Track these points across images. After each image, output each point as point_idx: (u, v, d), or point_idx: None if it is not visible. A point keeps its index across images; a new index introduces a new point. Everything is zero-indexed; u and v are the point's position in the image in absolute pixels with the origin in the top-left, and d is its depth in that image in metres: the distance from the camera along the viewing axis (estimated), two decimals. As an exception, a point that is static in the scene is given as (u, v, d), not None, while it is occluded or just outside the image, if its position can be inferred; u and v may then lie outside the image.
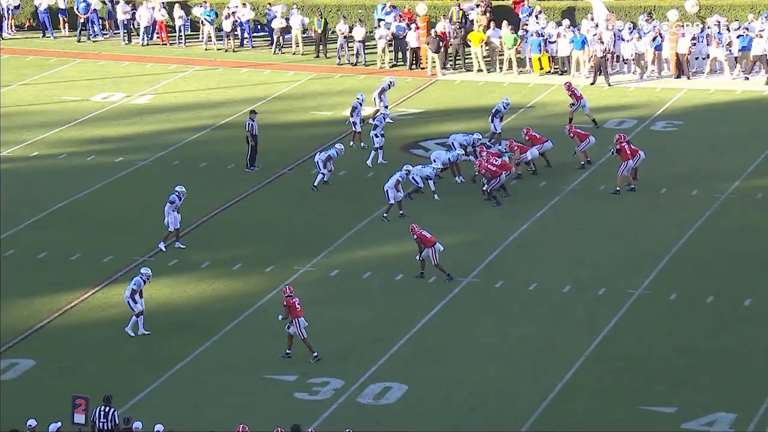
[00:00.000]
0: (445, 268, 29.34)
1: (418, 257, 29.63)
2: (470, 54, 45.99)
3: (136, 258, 30.93)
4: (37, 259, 30.93)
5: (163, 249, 31.27)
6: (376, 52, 46.69)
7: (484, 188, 33.72)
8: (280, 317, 26.32)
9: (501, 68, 45.52)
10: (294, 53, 47.99)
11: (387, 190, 33.11)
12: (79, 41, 49.71)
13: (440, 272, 29.37)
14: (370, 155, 36.69)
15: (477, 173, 34.16)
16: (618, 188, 34.01)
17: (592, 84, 43.52)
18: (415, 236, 29.46)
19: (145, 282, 27.51)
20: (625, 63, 44.98)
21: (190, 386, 25.32)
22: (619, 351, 26.58)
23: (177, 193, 31.40)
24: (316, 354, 26.02)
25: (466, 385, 25.25)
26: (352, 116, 37.54)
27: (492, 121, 37.46)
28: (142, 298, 27.35)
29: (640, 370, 25.69)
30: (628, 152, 34.04)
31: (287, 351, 26.16)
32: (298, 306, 26.06)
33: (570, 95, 38.51)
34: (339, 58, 47.02)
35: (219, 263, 30.67)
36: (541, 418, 23.97)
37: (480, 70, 45.49)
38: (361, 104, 37.82)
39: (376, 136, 36.68)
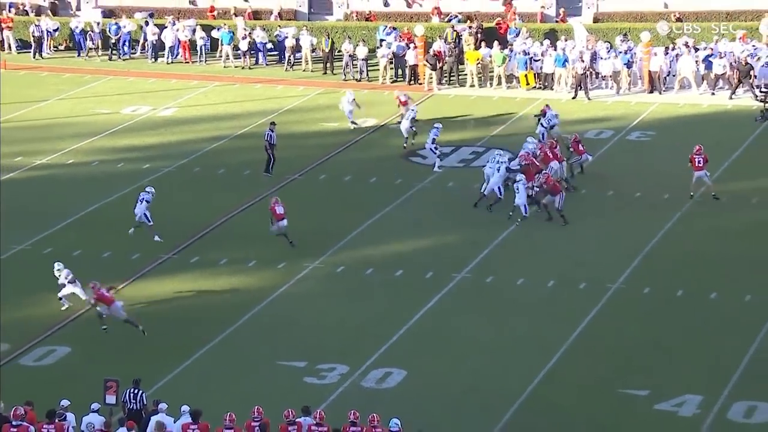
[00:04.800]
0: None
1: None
2: (464, 71, 46.03)
3: (161, 256, 30.96)
4: (72, 257, 30.92)
5: (160, 239, 31.43)
6: (378, 69, 46.73)
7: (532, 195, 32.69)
8: (91, 302, 26.85)
9: (491, 84, 45.56)
10: (304, 70, 48.03)
11: (498, 188, 32.85)
12: (110, 60, 49.76)
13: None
14: (436, 163, 36.69)
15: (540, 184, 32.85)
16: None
17: (573, 98, 43.57)
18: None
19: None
20: (603, 79, 45.04)
21: (210, 371, 25.37)
22: (597, 340, 26.62)
23: (151, 194, 31.78)
24: (141, 328, 26.53)
25: (458, 372, 25.28)
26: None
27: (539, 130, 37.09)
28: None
29: (617, 357, 25.73)
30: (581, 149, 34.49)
31: (104, 327, 26.67)
32: (107, 294, 26.48)
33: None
34: (344, 75, 47.03)
35: (235, 261, 30.71)
36: (527, 401, 23.99)
37: (472, 86, 45.52)
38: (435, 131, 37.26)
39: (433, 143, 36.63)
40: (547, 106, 38.54)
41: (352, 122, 40.52)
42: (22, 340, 26.47)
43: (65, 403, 21.63)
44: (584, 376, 24.96)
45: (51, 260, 30.57)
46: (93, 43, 49.70)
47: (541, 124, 37.40)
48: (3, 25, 50.69)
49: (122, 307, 26.85)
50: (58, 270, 28.20)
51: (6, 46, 50.58)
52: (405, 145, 38.88)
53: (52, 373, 25.25)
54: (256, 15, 51.64)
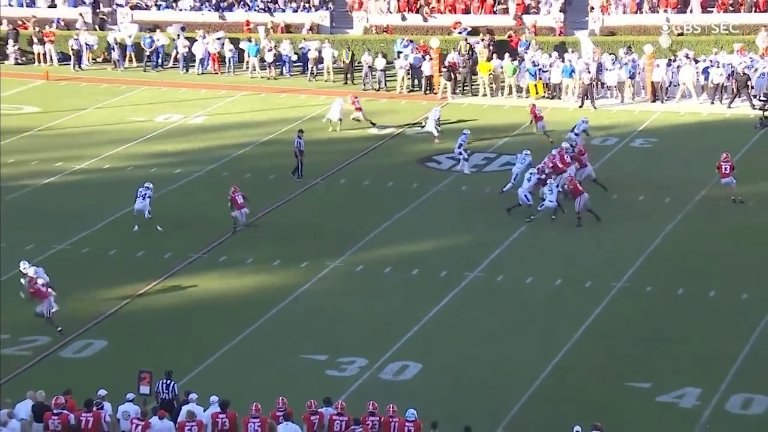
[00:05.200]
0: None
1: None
2: (477, 81, 45.99)
3: (191, 255, 30.99)
4: (109, 256, 31.02)
5: (161, 228, 31.91)
6: (396, 80, 46.71)
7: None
8: (22, 295, 26.65)
9: (502, 93, 45.50)
10: (326, 80, 48.06)
11: (525, 195, 32.61)
12: (144, 71, 49.89)
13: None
14: (465, 167, 36.63)
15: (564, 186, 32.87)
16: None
17: (580, 107, 43.48)
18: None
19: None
20: (608, 89, 44.95)
21: (237, 364, 25.37)
22: (602, 335, 26.55)
23: (151, 189, 32.30)
24: (60, 329, 26.36)
25: (471, 365, 25.23)
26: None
27: (574, 136, 36.91)
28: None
29: (621, 352, 25.66)
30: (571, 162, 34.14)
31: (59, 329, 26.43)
32: (43, 289, 26.34)
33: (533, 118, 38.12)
34: (364, 85, 47.03)
35: (261, 260, 30.71)
36: (535, 393, 23.93)
37: (485, 95, 45.47)
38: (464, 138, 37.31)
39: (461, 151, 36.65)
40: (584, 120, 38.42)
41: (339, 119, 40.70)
42: (62, 334, 26.50)
43: (102, 392, 21.68)
44: (590, 370, 24.90)
45: (89, 259, 30.75)
46: (117, 56, 49.72)
47: (573, 131, 37.28)
48: (46, 39, 50.85)
49: (54, 302, 26.58)
50: (24, 269, 27.55)
51: (48, 58, 50.74)
52: (438, 140, 39.32)
53: (90, 365, 25.31)
54: (288, 29, 51.52)
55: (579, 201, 32.20)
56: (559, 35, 49.10)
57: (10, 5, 53.62)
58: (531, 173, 33.27)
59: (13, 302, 28.11)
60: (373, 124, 41.18)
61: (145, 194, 32.44)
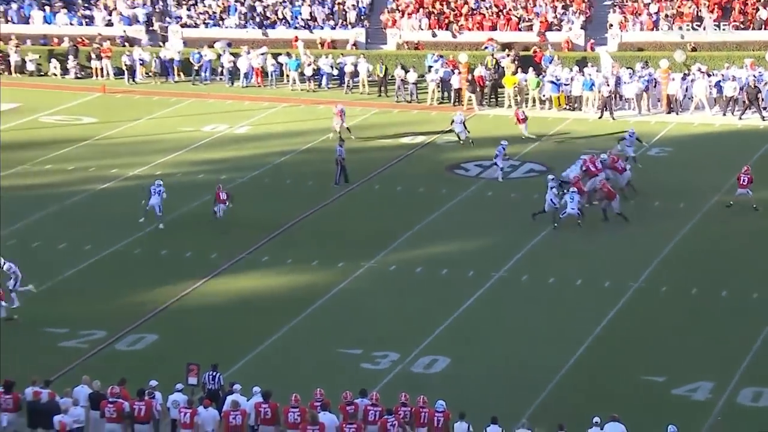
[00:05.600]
0: None
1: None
2: (502, 93, 45.90)
3: (236, 255, 31.02)
4: (160, 256, 31.14)
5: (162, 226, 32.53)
6: (427, 92, 46.70)
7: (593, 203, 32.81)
8: None
9: (526, 105, 45.40)
10: (361, 93, 48.10)
11: (552, 200, 32.42)
12: (193, 84, 50.09)
13: None
14: (498, 172, 36.54)
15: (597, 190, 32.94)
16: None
17: (599, 118, 43.33)
18: None
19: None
20: (626, 101, 44.76)
21: (278, 357, 25.44)
22: (620, 332, 26.44)
23: (161, 186, 33.04)
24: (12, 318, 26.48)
25: (496, 359, 25.19)
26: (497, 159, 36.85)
27: (622, 145, 36.66)
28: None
29: (637, 348, 25.56)
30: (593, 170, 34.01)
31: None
32: None
33: None
34: (397, 97, 47.04)
35: (300, 260, 30.75)
36: (557, 386, 23.87)
37: (510, 106, 45.38)
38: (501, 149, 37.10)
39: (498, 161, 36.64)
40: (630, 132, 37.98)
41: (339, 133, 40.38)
42: (117, 328, 26.63)
43: (153, 383, 21.77)
44: (608, 364, 24.80)
45: (142, 259, 30.83)
46: (168, 69, 50.04)
47: (624, 142, 36.94)
48: (102, 55, 51.12)
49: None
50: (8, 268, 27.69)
51: (105, 73, 51.02)
52: (462, 141, 39.84)
53: (142, 357, 25.41)
54: (334, 44, 51.49)
55: (615, 203, 32.15)
56: (586, 51, 48.89)
57: (71, 24, 53.94)
58: (551, 188, 33.15)
59: (72, 297, 28.33)
60: (349, 135, 40.51)
61: (159, 191, 32.84)
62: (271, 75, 49.45)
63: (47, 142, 41.48)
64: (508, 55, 47.35)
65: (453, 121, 40.69)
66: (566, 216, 32.25)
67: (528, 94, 45.40)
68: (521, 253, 31.05)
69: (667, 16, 50.37)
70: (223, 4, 54.28)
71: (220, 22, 53.77)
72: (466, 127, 40.43)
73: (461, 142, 40.32)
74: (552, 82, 44.87)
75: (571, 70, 45.63)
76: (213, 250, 31.27)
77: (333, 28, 52.82)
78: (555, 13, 51.29)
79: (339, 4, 53.42)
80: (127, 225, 33.16)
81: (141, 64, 50.77)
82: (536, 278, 29.44)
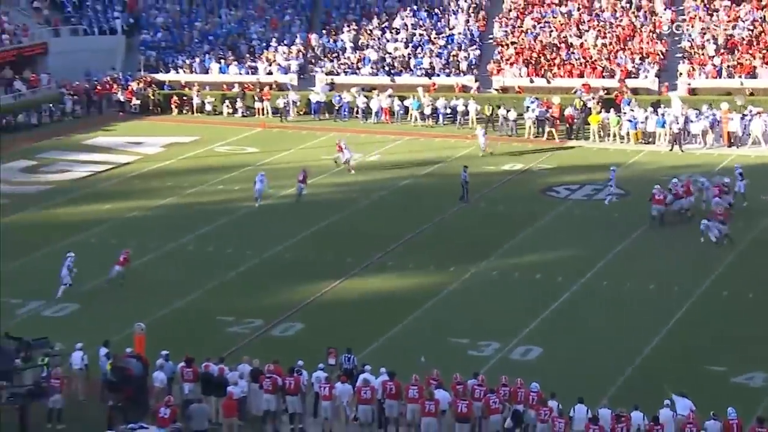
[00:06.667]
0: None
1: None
2: (588, 129, 45.19)
3: (371, 260, 31.04)
4: (306, 260, 31.36)
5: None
6: (525, 128, 46.25)
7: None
8: None
9: (608, 139, 44.61)
10: (471, 128, 47.85)
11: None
12: (334, 121, 50.56)
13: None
14: (608, 198, 35.83)
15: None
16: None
17: (670, 151, 42.37)
18: None
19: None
20: (693, 137, 43.66)
21: (401, 344, 25.42)
22: (687, 329, 25.75)
23: (264, 176, 35.12)
24: None
25: (581, 349, 24.77)
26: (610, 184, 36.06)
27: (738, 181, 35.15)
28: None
29: (702, 343, 24.87)
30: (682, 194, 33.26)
31: None
32: None
33: None
34: (500, 132, 46.70)
35: (419, 265, 30.68)
36: (632, 374, 23.40)
37: (594, 141, 44.64)
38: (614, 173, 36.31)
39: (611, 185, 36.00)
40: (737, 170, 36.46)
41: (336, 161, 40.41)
42: (271, 318, 26.91)
43: (300, 362, 21.98)
44: (676, 356, 24.17)
45: (292, 263, 31.15)
46: (301, 110, 50.55)
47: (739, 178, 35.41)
48: (263, 98, 52.01)
49: None
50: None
51: (265, 112, 51.89)
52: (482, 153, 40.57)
53: (292, 342, 25.62)
54: (465, 88, 50.82)
55: (727, 225, 31.09)
56: (659, 94, 47.83)
57: (240, 73, 55.02)
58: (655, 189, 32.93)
59: (237, 293, 28.81)
60: (348, 168, 40.36)
61: (262, 180, 35.19)
62: (397, 113, 49.66)
63: (219, 167, 42.23)
64: (593, 98, 46.62)
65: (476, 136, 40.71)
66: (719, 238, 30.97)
67: (610, 130, 44.63)
68: (602, 262, 30.48)
69: (728, 66, 48.99)
70: (359, 56, 54.79)
71: (357, 71, 54.25)
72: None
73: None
74: (630, 120, 44.04)
75: (646, 110, 44.71)
76: (349, 256, 31.40)
77: (448, 75, 52.76)
78: (633, 63, 50.33)
79: (453, 56, 53.38)
80: (280, 235, 33.45)
81: (293, 105, 51.51)
82: (615, 282, 28.87)
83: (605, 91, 47.65)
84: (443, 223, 34.83)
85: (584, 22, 53.31)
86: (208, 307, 27.73)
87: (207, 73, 55.46)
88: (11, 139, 47.76)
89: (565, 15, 54.11)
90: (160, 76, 55.20)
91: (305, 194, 35.89)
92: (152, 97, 53.31)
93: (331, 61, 54.79)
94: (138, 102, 53.06)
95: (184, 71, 55.60)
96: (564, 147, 44.09)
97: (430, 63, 53.28)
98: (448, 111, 49.14)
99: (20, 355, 22.19)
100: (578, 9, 54.28)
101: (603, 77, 50.19)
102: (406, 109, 49.80)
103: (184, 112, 52.80)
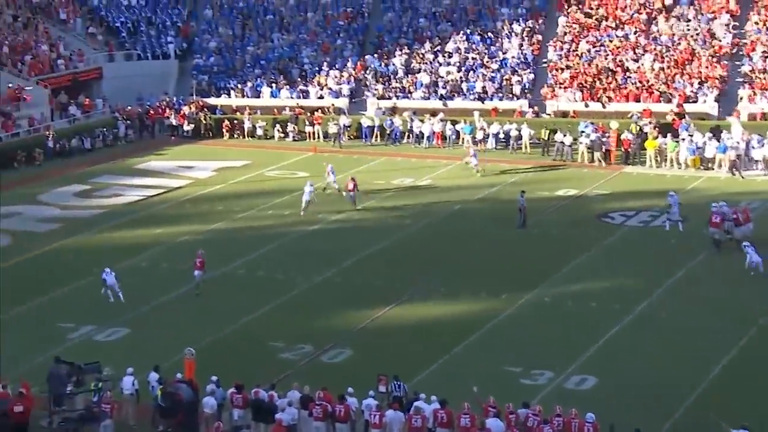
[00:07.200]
0: None
1: None
2: (644, 155, 44.79)
3: (427, 281, 30.98)
4: (359, 285, 31.31)
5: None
6: (579, 153, 45.95)
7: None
8: None
9: (665, 165, 44.15)
10: (524, 153, 47.78)
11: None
12: (386, 145, 50.75)
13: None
14: (667, 223, 35.49)
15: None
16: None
17: (732, 176, 41.82)
18: None
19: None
20: (755, 163, 43.05)
21: (451, 372, 25.32)
22: (748, 360, 25.26)
23: (312, 186, 36.91)
24: None
25: (638, 379, 24.42)
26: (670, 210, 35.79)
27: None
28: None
29: (760, 371, 24.33)
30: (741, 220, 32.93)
31: None
32: None
33: None
34: (555, 157, 46.48)
35: (471, 291, 30.53)
36: (692, 404, 23.04)
37: (651, 166, 44.23)
38: (675, 199, 35.83)
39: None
40: None
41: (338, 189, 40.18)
42: (322, 344, 26.93)
43: (350, 390, 22.04)
44: (737, 389, 23.71)
45: (342, 287, 31.24)
46: (352, 134, 50.79)
47: None
48: (315, 122, 52.45)
49: None
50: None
51: (316, 136, 52.29)
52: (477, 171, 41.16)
53: (341, 369, 25.65)
54: (537, 114, 50.85)
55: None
56: (720, 120, 47.31)
57: (291, 97, 55.59)
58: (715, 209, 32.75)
59: (286, 318, 28.91)
60: (337, 191, 40.59)
61: (310, 191, 37.56)
62: (448, 138, 49.72)
63: (270, 191, 42.57)
64: (650, 123, 46.22)
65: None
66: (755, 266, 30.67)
67: (667, 155, 44.16)
68: (660, 290, 30.08)
69: (791, 89, 48.29)
70: (411, 80, 55.03)
71: (409, 95, 54.46)
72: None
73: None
74: (688, 146, 43.53)
75: (704, 135, 44.20)
76: (400, 281, 31.38)
77: (501, 99, 52.74)
78: (692, 87, 49.83)
79: (506, 80, 53.36)
80: (330, 259, 33.53)
81: (345, 129, 51.84)
82: (672, 310, 28.47)
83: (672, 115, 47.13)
84: (495, 248, 34.67)
85: (641, 45, 52.98)
86: (259, 332, 27.91)
87: (258, 97, 56.13)
88: (65, 163, 48.77)
89: (622, 38, 53.82)
90: (212, 101, 56.04)
91: (357, 204, 37.92)
92: (204, 122, 54.10)
93: (384, 84, 55.07)
94: (191, 126, 53.85)
95: (235, 95, 56.37)
96: (619, 173, 43.67)
97: (483, 87, 53.32)
98: (501, 135, 49.06)
99: (72, 380, 22.56)
100: (635, 32, 53.94)
101: (660, 101, 49.74)
102: (458, 134, 49.81)
103: (236, 136, 53.47)
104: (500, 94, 52.98)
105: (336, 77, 55.99)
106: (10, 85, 52.80)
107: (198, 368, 23.15)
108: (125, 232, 37.79)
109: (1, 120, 50.62)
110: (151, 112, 55.37)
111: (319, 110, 53.45)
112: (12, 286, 31.61)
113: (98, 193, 43.62)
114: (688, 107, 48.75)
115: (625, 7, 55.88)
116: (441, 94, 53.62)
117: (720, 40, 52.17)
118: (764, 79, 49.30)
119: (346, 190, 38.12)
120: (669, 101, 49.51)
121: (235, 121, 53.89)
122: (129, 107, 55.29)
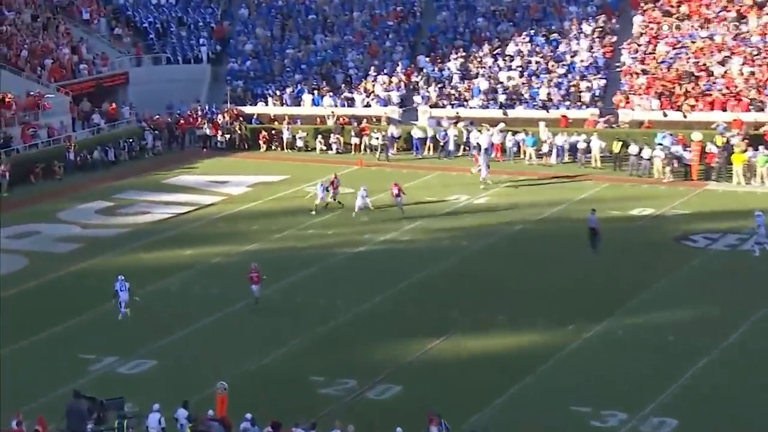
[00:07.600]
0: None
1: None
2: (731, 170, 44.36)
3: (483, 309, 30.91)
4: (408, 314, 31.23)
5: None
6: (655, 167, 45.66)
7: None
8: None
9: (755, 181, 43.67)
10: (594, 167, 47.61)
11: None
12: (438, 159, 50.87)
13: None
14: (756, 248, 35.22)
15: None
16: None
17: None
18: None
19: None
20: None
21: (511, 411, 25.17)
22: None
23: (366, 191, 38.76)
24: None
25: (725, 422, 24.07)
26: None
27: None
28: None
29: None
30: None
31: None
32: None
33: None
34: (631, 173, 46.21)
35: (533, 320, 30.28)
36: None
37: (739, 182, 43.78)
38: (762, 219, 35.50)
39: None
40: None
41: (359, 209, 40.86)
42: (367, 379, 26.93)
43: (399, 430, 22.01)
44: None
45: (390, 316, 31.25)
46: (402, 146, 50.95)
47: None
48: (362, 133, 52.72)
49: None
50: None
51: (362, 148, 52.46)
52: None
53: (389, 406, 25.61)
54: (610, 125, 50.71)
55: None
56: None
57: (335, 106, 55.88)
58: None
59: (328, 349, 29.02)
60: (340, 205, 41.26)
61: (364, 195, 39.51)
62: (509, 150, 49.67)
63: (310, 209, 42.58)
64: (738, 134, 45.78)
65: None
66: None
67: (756, 171, 43.68)
68: (747, 323, 29.69)
69: None
70: (467, 86, 55.09)
71: (465, 103, 54.54)
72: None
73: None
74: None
75: (800, 148, 43.71)
76: (453, 309, 31.31)
77: (567, 107, 52.62)
78: (786, 93, 49.32)
79: (574, 86, 53.23)
80: (377, 285, 33.61)
81: (394, 141, 51.99)
82: (763, 346, 28.08)
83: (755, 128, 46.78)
84: (561, 273, 34.51)
85: (728, 47, 52.52)
86: (297, 365, 28.06)
87: (299, 105, 56.58)
88: (87, 177, 49.55)
89: (706, 39, 53.42)
90: (248, 109, 56.55)
91: (404, 209, 40.20)
92: (239, 132, 54.64)
93: (437, 91, 55.24)
94: (225, 137, 54.37)
95: (273, 103, 56.89)
96: (702, 190, 43.30)
97: (548, 94, 53.24)
98: (568, 147, 48.94)
99: (93, 417, 22.81)
100: (723, 32, 53.50)
101: (749, 110, 49.24)
102: (519, 146, 49.77)
103: (273, 148, 53.99)
104: (567, 103, 52.84)
105: (384, 83, 56.31)
106: (32, 93, 53.73)
107: (231, 404, 23.33)
108: (152, 253, 38.30)
109: (18, 130, 51.57)
110: (182, 121, 56.10)
111: (366, 119, 53.70)
112: (28, 313, 32.13)
113: (123, 211, 44.27)
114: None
115: (711, 3, 55.45)
116: (500, 102, 53.65)
117: (818, 41, 51.68)
118: None
119: (392, 196, 39.56)
120: (760, 110, 48.98)
121: (273, 132, 54.41)
122: (157, 116, 56.07)
